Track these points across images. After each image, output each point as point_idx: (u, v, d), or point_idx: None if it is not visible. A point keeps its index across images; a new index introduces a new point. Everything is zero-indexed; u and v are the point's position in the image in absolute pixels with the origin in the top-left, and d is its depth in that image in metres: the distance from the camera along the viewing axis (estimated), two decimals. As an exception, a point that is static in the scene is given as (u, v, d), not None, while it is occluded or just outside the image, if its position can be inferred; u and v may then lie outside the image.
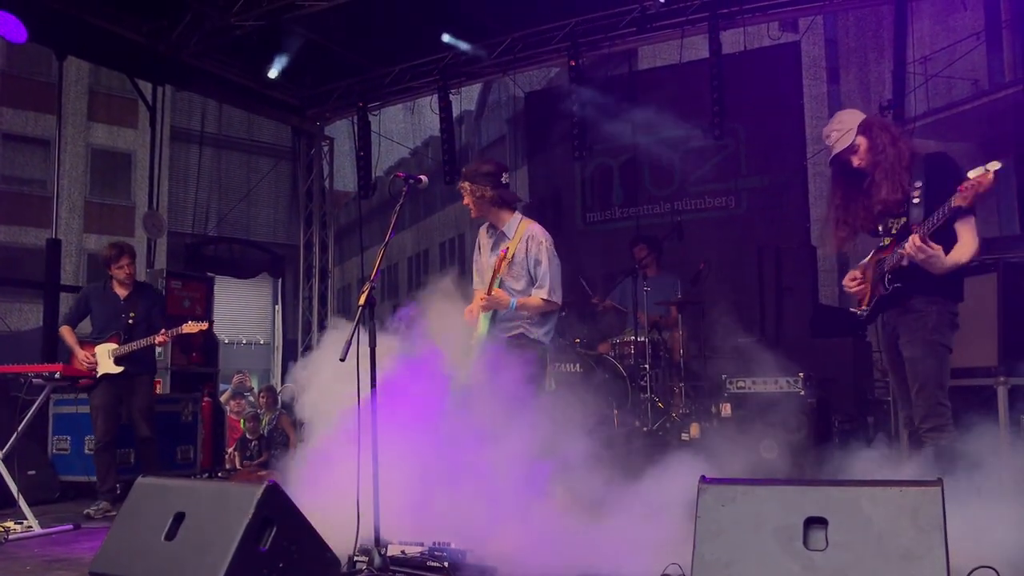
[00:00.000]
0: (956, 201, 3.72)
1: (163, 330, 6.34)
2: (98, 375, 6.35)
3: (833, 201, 4.37)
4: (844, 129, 4.17)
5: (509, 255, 4.93)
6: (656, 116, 9.91)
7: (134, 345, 6.35)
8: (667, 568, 3.51)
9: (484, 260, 5.17)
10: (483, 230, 5.29)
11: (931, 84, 14.86)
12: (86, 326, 6.72)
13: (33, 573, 4.32)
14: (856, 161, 4.16)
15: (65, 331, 6.56)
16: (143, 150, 17.94)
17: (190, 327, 6.37)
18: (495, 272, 4.91)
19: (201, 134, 15.16)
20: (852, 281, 4.32)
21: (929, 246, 3.84)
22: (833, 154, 4.22)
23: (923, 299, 4.02)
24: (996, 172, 3.68)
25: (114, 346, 6.38)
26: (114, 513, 5.86)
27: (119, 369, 6.35)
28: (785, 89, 10.34)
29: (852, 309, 4.37)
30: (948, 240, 3.89)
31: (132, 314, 6.49)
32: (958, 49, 14.37)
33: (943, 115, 14.94)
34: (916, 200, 3.97)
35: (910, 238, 3.87)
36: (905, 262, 3.96)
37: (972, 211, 3.85)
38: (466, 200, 5.09)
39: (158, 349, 6.85)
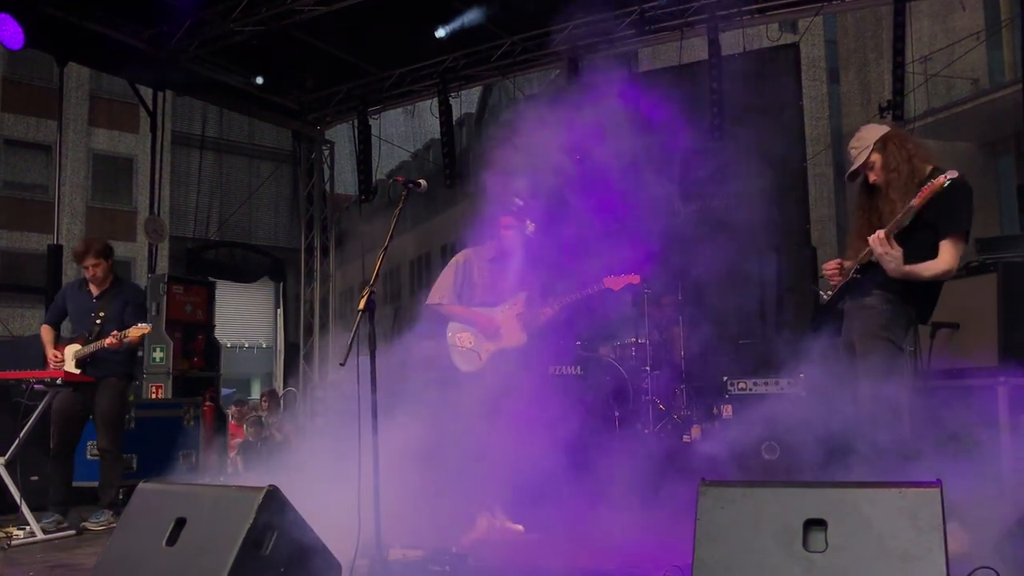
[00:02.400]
0: (914, 201, 3.86)
1: (114, 332, 5.84)
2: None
3: (855, 215, 4.44)
4: (862, 146, 4.24)
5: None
6: (656, 117, 9.90)
7: (91, 347, 5.92)
8: (666, 570, 3.51)
9: (488, 278, 5.38)
10: (474, 252, 5.46)
11: (931, 84, 14.86)
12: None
13: (36, 579, 4.33)
14: (872, 177, 4.24)
15: (44, 330, 6.25)
16: (144, 155, 17.96)
17: (136, 331, 5.87)
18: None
19: (202, 139, 15.15)
20: (831, 269, 4.39)
21: (890, 243, 3.94)
22: (850, 170, 4.29)
23: (881, 295, 4.07)
24: (950, 179, 3.82)
25: (77, 347, 6.00)
26: (65, 524, 5.80)
27: (82, 375, 5.94)
28: (785, 90, 10.34)
29: (820, 292, 4.43)
30: (930, 253, 3.97)
31: (102, 314, 6.05)
32: (957, 49, 14.37)
33: (943, 115, 14.95)
34: (914, 208, 4.00)
35: (877, 232, 3.97)
36: (873, 257, 4.04)
37: (963, 235, 3.97)
38: (513, 234, 5.31)
39: (158, 349, 6.57)
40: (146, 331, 5.93)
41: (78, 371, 5.93)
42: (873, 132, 4.27)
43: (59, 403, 5.90)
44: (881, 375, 3.97)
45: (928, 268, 3.98)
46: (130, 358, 6.28)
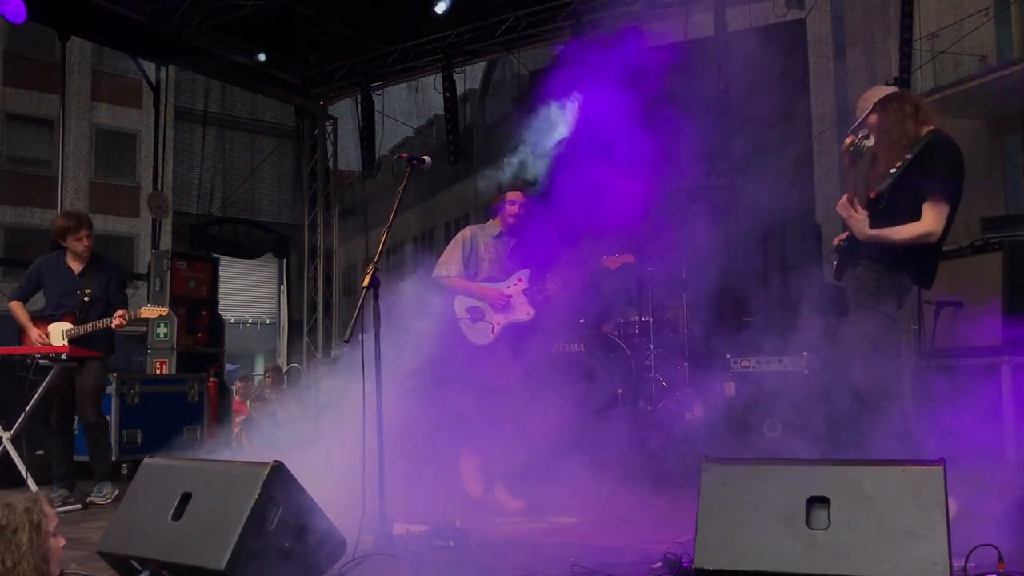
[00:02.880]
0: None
1: (122, 311, 5.81)
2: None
3: (848, 178, 4.36)
4: (865, 107, 4.15)
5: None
6: (661, 91, 9.85)
7: (90, 327, 5.81)
8: (669, 547, 3.53)
9: (494, 253, 5.41)
10: (479, 229, 5.50)
11: (938, 61, 14.76)
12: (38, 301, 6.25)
13: (42, 552, 4.36)
14: (870, 138, 4.15)
15: (15, 306, 5.98)
16: (147, 130, 17.90)
17: (148, 311, 6.00)
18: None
19: (204, 114, 15.11)
20: (839, 241, 4.34)
21: (854, 208, 3.92)
22: (849, 130, 4.21)
23: (867, 265, 3.98)
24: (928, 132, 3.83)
25: (68, 326, 5.85)
26: (72, 498, 5.82)
27: (96, 353, 5.88)
28: (791, 67, 10.27)
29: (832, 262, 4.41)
30: (913, 217, 3.85)
31: (88, 291, 5.92)
32: (966, 25, 14.25)
33: (950, 92, 14.84)
34: (893, 171, 3.93)
35: (844, 195, 3.95)
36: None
37: (943, 197, 3.80)
38: (521, 210, 5.34)
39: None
40: (163, 313, 6.05)
41: (96, 351, 5.90)
42: (876, 93, 4.18)
43: (55, 379, 5.79)
44: (871, 345, 3.91)
45: (900, 231, 3.85)
46: (111, 333, 6.09)
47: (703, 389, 7.36)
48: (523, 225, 5.34)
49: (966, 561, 2.99)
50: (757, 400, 6.48)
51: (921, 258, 3.96)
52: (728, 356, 7.04)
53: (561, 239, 5.46)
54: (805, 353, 6.67)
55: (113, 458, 7.12)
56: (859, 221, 3.92)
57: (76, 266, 6.02)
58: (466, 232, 5.44)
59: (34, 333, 5.84)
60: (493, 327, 5.26)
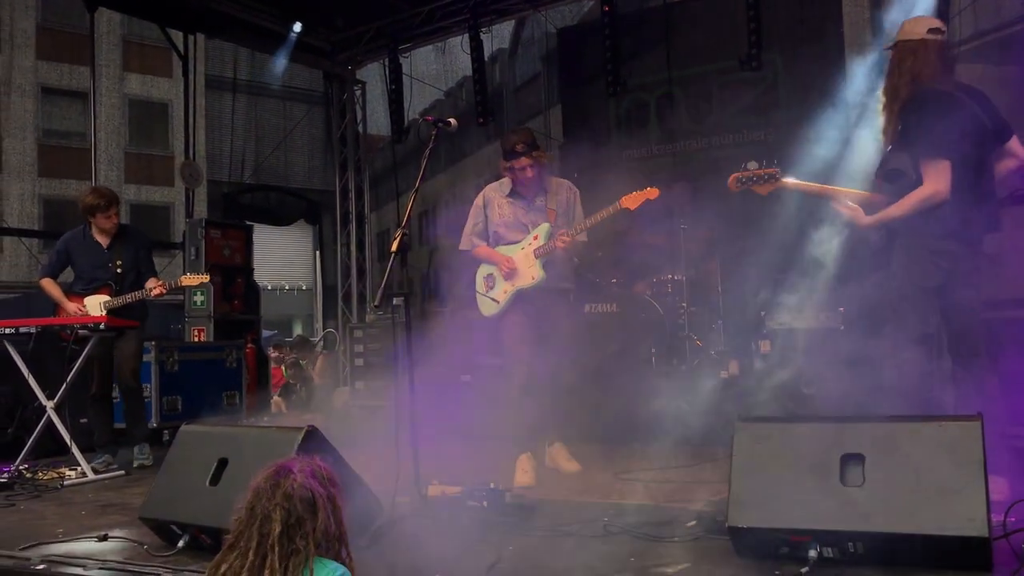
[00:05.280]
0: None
1: (160, 281, 6.03)
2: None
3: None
4: (889, 42, 4.00)
5: (557, 206, 5.21)
6: (692, 48, 9.72)
7: (128, 297, 6.02)
8: (703, 505, 3.52)
9: (509, 214, 5.24)
10: (493, 190, 5.35)
11: (978, 4, 14.32)
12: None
13: (88, 517, 4.47)
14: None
15: (47, 283, 6.16)
16: (179, 99, 18.06)
17: (189, 279, 6.17)
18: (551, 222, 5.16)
19: (234, 82, 15.14)
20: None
21: (845, 206, 3.88)
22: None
23: (902, 239, 3.81)
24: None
25: (106, 298, 6.03)
26: (115, 464, 5.99)
27: (133, 321, 6.04)
28: (825, 17, 10.04)
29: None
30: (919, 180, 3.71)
31: (119, 262, 6.10)
32: (1007, -32, 13.80)
33: (990, 37, 14.42)
34: (889, 148, 3.85)
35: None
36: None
37: (937, 153, 3.63)
38: (533, 172, 5.13)
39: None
40: (204, 280, 6.18)
41: (133, 321, 6.07)
42: (903, 30, 3.95)
43: (95, 351, 5.92)
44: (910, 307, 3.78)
45: (901, 205, 3.72)
46: (144, 302, 6.23)
47: (738, 347, 7.31)
48: (533, 181, 5.15)
49: (1005, 516, 2.95)
50: (792, 357, 6.43)
51: (956, 212, 3.70)
52: (763, 313, 6.97)
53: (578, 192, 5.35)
54: (841, 309, 6.59)
55: (154, 425, 7.26)
56: (854, 215, 3.86)
57: (104, 239, 6.16)
58: (479, 200, 5.33)
59: (71, 306, 6.01)
60: (498, 298, 5.17)
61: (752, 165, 4.09)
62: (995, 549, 2.75)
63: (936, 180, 3.64)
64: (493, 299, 5.16)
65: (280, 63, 11.30)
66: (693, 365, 7.21)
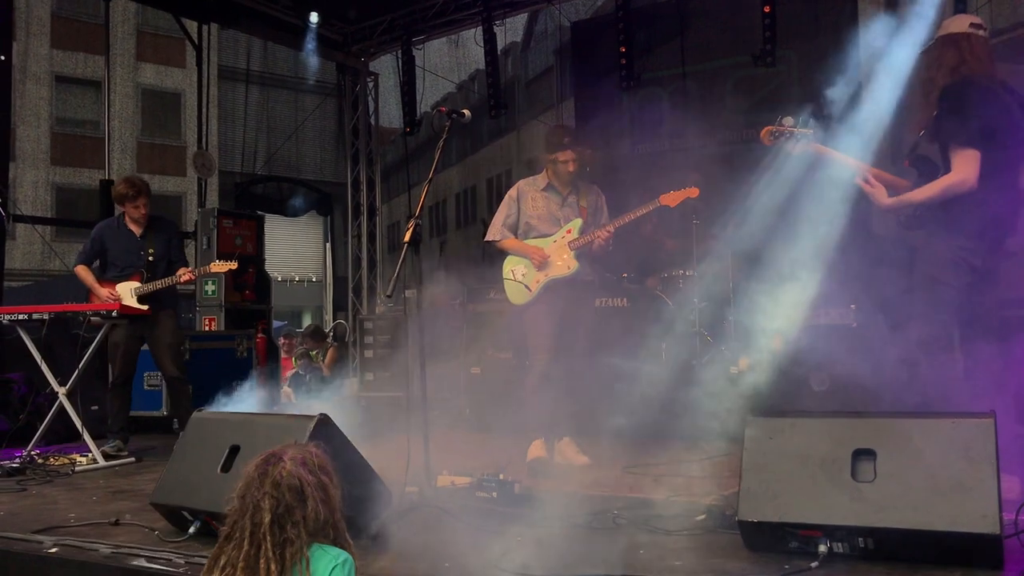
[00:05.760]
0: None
1: (190, 268, 6.18)
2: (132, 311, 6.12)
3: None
4: (937, 35, 4.00)
5: (588, 205, 5.31)
6: (706, 43, 9.67)
7: (159, 284, 6.14)
8: (713, 499, 3.52)
9: (543, 207, 5.30)
10: (527, 184, 5.40)
11: (995, 3, 14.23)
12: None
13: (100, 503, 4.49)
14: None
15: (81, 270, 6.30)
16: (192, 89, 18.10)
17: (218, 267, 6.28)
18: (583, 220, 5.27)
19: (247, 72, 15.16)
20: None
21: (868, 182, 3.83)
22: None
23: (929, 231, 3.82)
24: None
25: (136, 284, 6.16)
26: (125, 452, 6.04)
27: (144, 308, 6.13)
28: (840, 13, 9.98)
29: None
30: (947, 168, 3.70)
31: (151, 251, 6.25)
32: (1025, -35, 13.70)
33: (1007, 36, 14.33)
34: (921, 134, 3.83)
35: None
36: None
37: (965, 141, 3.61)
38: (575, 167, 5.20)
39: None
40: (233, 267, 6.25)
41: (144, 307, 6.12)
42: (945, 27, 3.94)
43: (119, 337, 6.10)
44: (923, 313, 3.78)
45: (923, 191, 3.72)
46: (176, 290, 6.41)
47: (748, 343, 7.29)
48: (569, 176, 5.25)
49: (1017, 515, 2.94)
50: (804, 354, 6.40)
51: (969, 214, 3.67)
52: (774, 309, 6.93)
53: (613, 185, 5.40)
54: (853, 306, 6.56)
55: (164, 412, 7.30)
56: (873, 193, 3.84)
57: (136, 228, 6.32)
58: (512, 191, 5.40)
59: (103, 292, 6.14)
60: (530, 286, 5.22)
61: (788, 121, 4.06)
62: (1006, 547, 2.75)
63: (963, 168, 3.62)
64: (526, 286, 5.21)
65: (309, 56, 11.31)
66: (703, 361, 7.19)
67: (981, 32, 3.88)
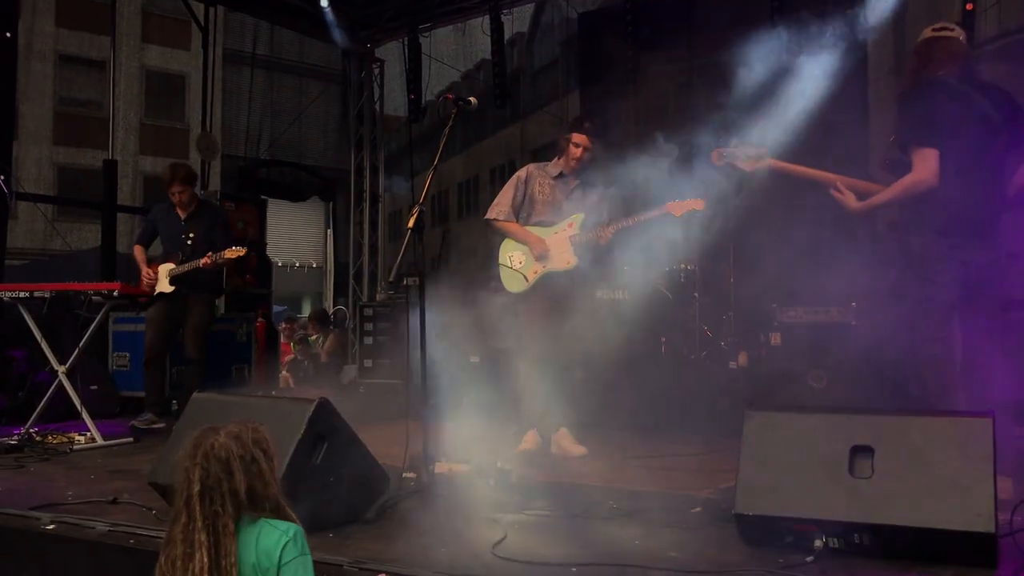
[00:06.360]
0: None
1: (209, 252, 6.29)
2: (155, 292, 6.45)
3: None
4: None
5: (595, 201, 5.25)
6: (714, 36, 9.61)
7: (187, 266, 6.35)
8: (710, 492, 3.53)
9: (549, 194, 5.28)
10: (538, 168, 5.37)
11: (1004, 3, 14.19)
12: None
13: (97, 482, 4.50)
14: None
15: (136, 250, 6.75)
16: (197, 72, 17.99)
17: (232, 252, 6.32)
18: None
19: (252, 56, 15.10)
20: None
21: (838, 190, 3.88)
22: None
23: (905, 231, 3.82)
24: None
25: (172, 266, 6.44)
26: (159, 425, 6.17)
27: (171, 288, 6.38)
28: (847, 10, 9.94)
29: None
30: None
31: (191, 235, 6.53)
32: (1034, -33, 13.65)
33: (1014, 38, 14.30)
34: (892, 139, 3.85)
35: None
36: None
37: (919, 141, 3.62)
38: (583, 155, 5.20)
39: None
40: (241, 253, 6.28)
41: (172, 288, 6.39)
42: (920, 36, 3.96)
43: (153, 314, 6.45)
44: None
45: (886, 193, 3.76)
46: (218, 275, 6.70)
47: (748, 339, 7.30)
48: (586, 169, 5.23)
49: (1012, 514, 2.95)
50: (803, 351, 6.41)
51: (926, 218, 3.68)
52: (774, 305, 6.95)
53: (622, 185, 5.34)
54: (853, 303, 6.57)
55: (164, 394, 7.32)
56: (844, 200, 3.89)
57: (182, 213, 6.66)
58: (521, 173, 5.35)
59: (144, 272, 6.46)
60: (527, 276, 5.19)
61: (734, 141, 4.10)
62: (1001, 547, 2.76)
63: (921, 168, 3.62)
64: (524, 276, 5.17)
65: (315, 40, 11.30)
66: (702, 355, 7.20)
67: (946, 33, 3.88)
